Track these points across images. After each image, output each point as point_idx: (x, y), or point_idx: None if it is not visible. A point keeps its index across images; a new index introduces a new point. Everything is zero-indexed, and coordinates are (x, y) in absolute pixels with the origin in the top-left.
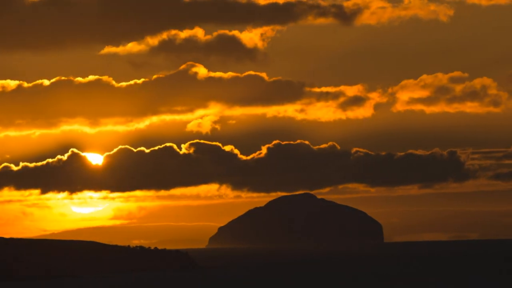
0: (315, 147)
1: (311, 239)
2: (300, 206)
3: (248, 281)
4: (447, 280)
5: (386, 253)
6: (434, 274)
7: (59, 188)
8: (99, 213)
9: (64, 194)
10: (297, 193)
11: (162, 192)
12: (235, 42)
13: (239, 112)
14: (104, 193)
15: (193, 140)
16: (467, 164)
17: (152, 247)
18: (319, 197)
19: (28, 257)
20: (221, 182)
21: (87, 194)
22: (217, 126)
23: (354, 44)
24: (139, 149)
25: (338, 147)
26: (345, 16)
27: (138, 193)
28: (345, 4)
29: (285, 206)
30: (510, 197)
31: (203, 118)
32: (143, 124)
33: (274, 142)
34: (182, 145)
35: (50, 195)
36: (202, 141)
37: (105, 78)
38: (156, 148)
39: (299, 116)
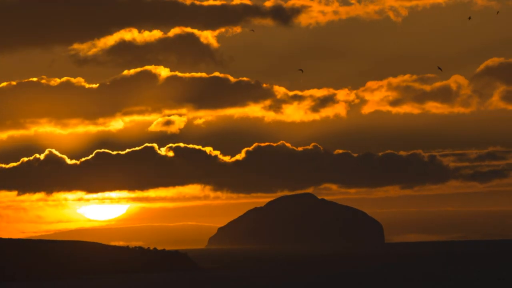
0: (300, 148)
1: (311, 239)
2: (300, 206)
3: (247, 282)
4: (447, 281)
5: (387, 253)
6: (437, 274)
7: (35, 189)
8: (76, 215)
9: (40, 196)
10: (297, 192)
11: (138, 193)
12: (192, 43)
13: (207, 113)
14: (79, 194)
15: (162, 140)
16: (444, 165)
17: (151, 248)
18: (319, 197)
19: (26, 257)
20: (201, 183)
21: (62, 195)
22: (187, 127)
23: (312, 45)
24: (116, 151)
25: (321, 148)
26: (286, 17)
27: (114, 194)
28: (287, 5)
29: (285, 206)
30: (487, 198)
31: (171, 118)
32: (113, 125)
33: (255, 144)
34: (162, 148)
35: (26, 196)
36: (182, 144)
37: (70, 79)
38: (137, 149)
39: (268, 117)
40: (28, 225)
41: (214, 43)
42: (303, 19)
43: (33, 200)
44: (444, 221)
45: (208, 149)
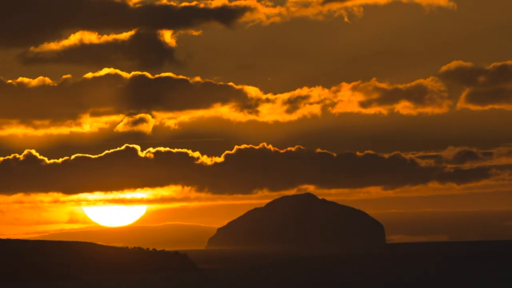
0: (282, 151)
1: (312, 240)
2: (300, 207)
3: (247, 283)
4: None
5: (388, 253)
6: (437, 274)
7: (12, 190)
8: (54, 217)
9: (17, 197)
10: (297, 193)
11: (115, 195)
12: (151, 43)
13: (177, 114)
14: (55, 195)
15: (133, 141)
16: (422, 167)
17: (151, 248)
18: (320, 197)
19: (24, 258)
20: (179, 184)
21: (38, 197)
22: (159, 129)
23: (277, 45)
24: (94, 153)
25: (304, 148)
26: (232, 17)
27: (91, 196)
28: (235, 4)
29: (285, 207)
30: (466, 199)
31: (141, 118)
32: (84, 127)
33: (236, 147)
34: (144, 151)
35: (3, 198)
36: (165, 148)
37: (35, 80)
38: (117, 149)
39: (242, 118)
40: (7, 227)
41: (173, 43)
42: (257, 19)
43: (10, 202)
44: (426, 223)
45: (189, 151)
